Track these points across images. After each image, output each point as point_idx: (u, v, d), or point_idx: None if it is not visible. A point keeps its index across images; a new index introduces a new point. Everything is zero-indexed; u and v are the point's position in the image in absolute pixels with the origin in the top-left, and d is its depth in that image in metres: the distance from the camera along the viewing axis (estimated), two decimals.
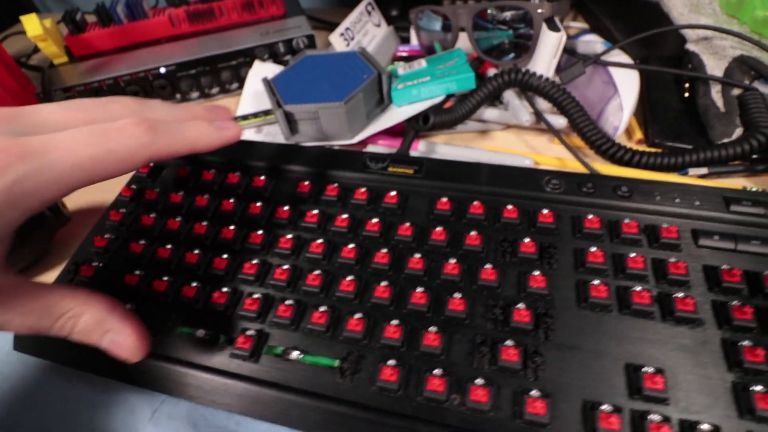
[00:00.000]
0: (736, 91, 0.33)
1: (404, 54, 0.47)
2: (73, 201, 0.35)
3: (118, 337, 0.19)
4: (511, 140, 0.37)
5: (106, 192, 0.32)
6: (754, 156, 0.31)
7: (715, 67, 0.35)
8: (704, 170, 0.32)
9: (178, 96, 0.44)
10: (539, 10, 0.34)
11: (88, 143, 0.17)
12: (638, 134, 0.36)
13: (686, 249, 0.24)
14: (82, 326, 0.19)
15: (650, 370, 0.20)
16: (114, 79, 0.41)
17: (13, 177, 0.16)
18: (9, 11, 0.78)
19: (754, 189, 0.30)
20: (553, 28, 0.34)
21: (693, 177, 0.32)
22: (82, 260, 0.28)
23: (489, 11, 0.38)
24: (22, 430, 0.23)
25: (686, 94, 0.36)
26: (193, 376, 0.23)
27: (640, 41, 0.38)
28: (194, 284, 0.25)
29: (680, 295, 0.22)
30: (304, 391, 0.21)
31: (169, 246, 0.27)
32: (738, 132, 0.32)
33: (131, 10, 0.44)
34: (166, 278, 0.26)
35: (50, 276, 0.31)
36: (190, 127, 0.20)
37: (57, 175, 0.17)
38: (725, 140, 0.32)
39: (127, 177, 0.32)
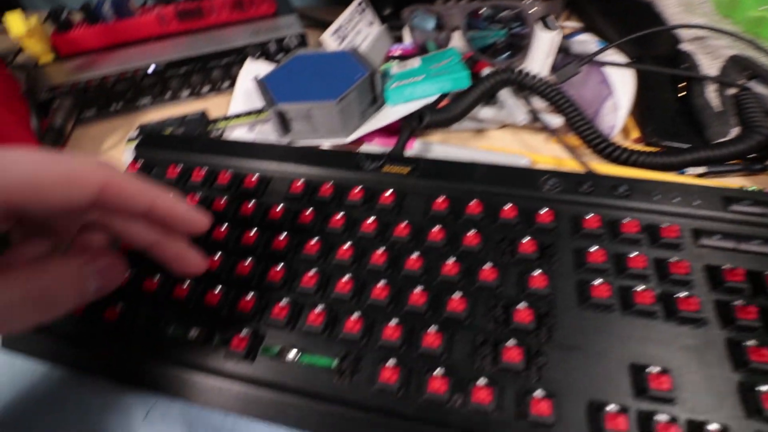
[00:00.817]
0: (731, 91, 0.33)
1: (397, 53, 0.47)
2: None
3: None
4: (507, 139, 0.37)
5: None
6: (751, 155, 0.31)
7: (710, 66, 0.35)
8: (702, 169, 0.31)
9: (168, 94, 0.43)
10: (532, 10, 0.34)
11: (39, 157, 0.16)
12: (634, 134, 0.35)
13: (687, 249, 0.24)
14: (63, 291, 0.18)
15: (655, 370, 0.19)
16: (101, 79, 0.40)
17: None
18: None
19: (752, 188, 0.30)
20: (547, 27, 0.33)
21: (691, 176, 0.32)
22: None
23: (482, 10, 0.38)
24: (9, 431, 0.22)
25: (682, 94, 0.36)
26: (187, 376, 0.22)
27: (634, 41, 0.38)
28: (186, 284, 0.24)
29: (683, 294, 0.22)
30: (301, 391, 0.21)
31: None
32: (734, 131, 0.32)
33: (118, 9, 0.43)
34: (157, 278, 0.25)
35: None
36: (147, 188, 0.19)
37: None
38: (721, 139, 0.32)
39: None
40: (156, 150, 0.33)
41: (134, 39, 0.44)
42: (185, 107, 0.44)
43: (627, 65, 0.34)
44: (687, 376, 0.20)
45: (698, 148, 0.31)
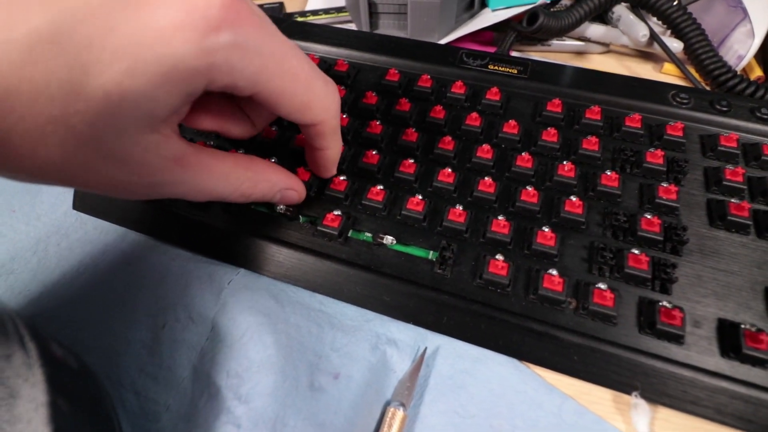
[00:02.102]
0: None
1: None
2: None
3: (286, 194, 0.19)
4: (612, 65, 0.33)
5: None
6: None
7: None
8: None
9: None
10: None
11: (306, 67, 0.16)
12: (758, 71, 0.32)
13: None
14: (259, 192, 0.18)
15: None
16: None
17: (227, 39, 0.13)
18: None
19: None
20: None
21: None
22: None
23: None
24: (94, 286, 0.22)
25: None
26: (275, 250, 0.21)
27: None
28: (273, 159, 0.23)
29: None
30: (398, 276, 0.19)
31: None
32: None
33: None
34: (242, 150, 0.23)
35: None
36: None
37: (258, 68, 0.14)
38: None
39: None
40: None
41: None
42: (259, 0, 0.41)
43: None
44: None
45: None
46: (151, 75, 0.12)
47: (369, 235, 0.21)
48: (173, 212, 0.22)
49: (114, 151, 0.14)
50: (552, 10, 0.31)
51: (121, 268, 0.22)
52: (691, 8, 0.32)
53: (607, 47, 0.34)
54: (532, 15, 0.29)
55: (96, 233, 0.24)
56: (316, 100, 0.17)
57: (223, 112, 0.18)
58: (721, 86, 0.30)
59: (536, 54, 0.34)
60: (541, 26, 0.28)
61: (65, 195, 0.25)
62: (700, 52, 0.30)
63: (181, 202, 0.22)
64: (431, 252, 0.20)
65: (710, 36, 0.31)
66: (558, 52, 0.34)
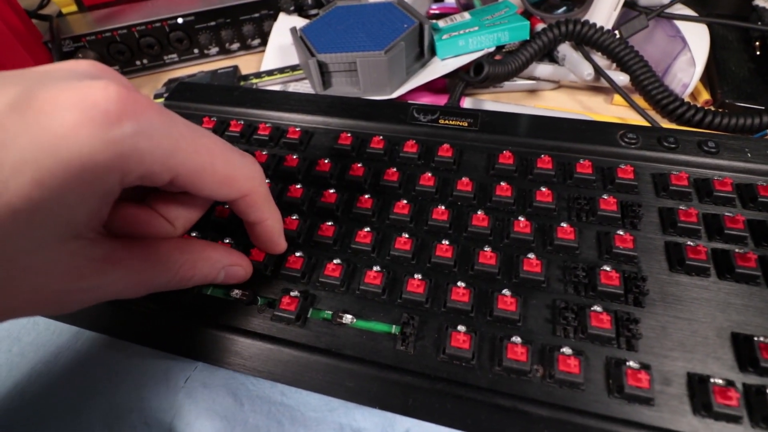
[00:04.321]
0: None
1: (437, 12, 0.44)
2: None
3: (230, 271, 0.19)
4: (563, 100, 0.34)
5: None
6: None
7: None
8: None
9: (195, 51, 0.41)
10: None
11: (218, 146, 0.16)
12: (704, 95, 0.32)
13: None
14: (201, 272, 0.18)
15: (764, 339, 0.17)
16: (128, 29, 0.38)
17: (131, 128, 0.13)
18: None
19: None
20: None
21: None
22: None
23: None
24: (47, 396, 0.20)
25: (757, 53, 0.33)
26: (231, 340, 0.20)
27: None
28: (227, 240, 0.22)
29: None
30: (359, 358, 0.19)
31: None
32: None
33: None
34: (194, 234, 0.23)
35: None
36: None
37: (167, 152, 0.14)
38: None
39: None
40: (187, 103, 0.30)
41: None
42: (213, 65, 0.42)
43: (700, 19, 0.31)
44: None
45: None
46: (61, 181, 0.12)
47: (329, 313, 0.20)
48: (125, 307, 0.21)
49: (36, 265, 0.13)
50: (496, 58, 0.31)
51: (76, 372, 0.21)
52: (633, 39, 0.33)
53: (557, 84, 0.34)
54: (477, 66, 0.29)
55: (48, 334, 0.23)
56: (238, 170, 0.16)
57: (141, 218, 0.17)
58: (669, 114, 0.30)
59: (490, 96, 0.34)
60: (487, 75, 0.29)
61: None
62: (646, 83, 0.30)
63: None
64: (393, 326, 0.20)
65: (655, 65, 0.32)
66: (512, 92, 0.35)
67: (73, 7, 0.40)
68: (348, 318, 0.20)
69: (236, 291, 0.21)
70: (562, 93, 0.34)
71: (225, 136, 0.27)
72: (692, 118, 0.30)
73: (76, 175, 0.12)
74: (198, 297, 0.21)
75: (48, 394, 0.21)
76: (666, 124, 0.31)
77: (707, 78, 0.34)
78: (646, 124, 0.29)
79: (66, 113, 0.12)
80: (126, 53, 0.39)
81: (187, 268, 0.17)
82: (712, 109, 0.32)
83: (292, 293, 0.20)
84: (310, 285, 0.21)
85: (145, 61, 0.40)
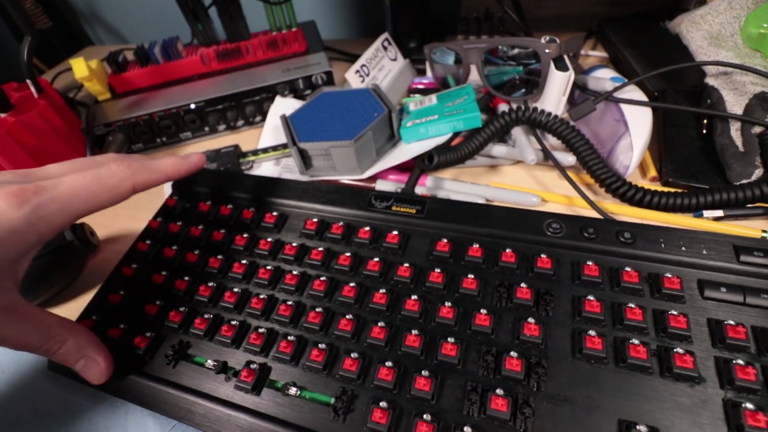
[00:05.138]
0: (756, 129, 0.32)
1: (420, 86, 0.49)
2: (107, 229, 0.38)
3: (90, 363, 0.24)
4: (520, 176, 0.37)
5: (137, 221, 0.35)
6: None
7: (735, 103, 0.34)
8: (720, 212, 0.31)
9: (206, 129, 0.47)
10: (547, 50, 0.34)
11: (83, 179, 0.23)
12: (652, 172, 0.35)
13: (690, 301, 0.24)
14: (64, 350, 0.23)
15: (644, 429, 0.19)
16: (149, 115, 0.45)
17: (31, 207, 0.21)
18: (66, 44, 0.86)
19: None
20: (561, 67, 0.34)
21: (708, 219, 0.31)
22: (111, 289, 0.30)
23: (500, 48, 0.39)
24: None
25: (704, 131, 0.35)
26: (201, 405, 0.24)
27: (659, 74, 0.38)
28: (207, 315, 0.27)
29: (680, 350, 0.21)
30: (300, 427, 0.22)
31: (186, 278, 0.29)
32: (758, 173, 0.31)
33: (167, 51, 0.47)
34: (182, 309, 0.28)
35: (82, 300, 0.34)
36: (162, 161, 0.27)
37: (62, 204, 0.22)
38: (744, 181, 0.31)
39: (155, 209, 0.35)
40: (190, 185, 0.36)
41: (179, 78, 0.49)
42: (222, 140, 0.48)
43: (644, 103, 0.34)
44: None
45: (718, 190, 0.30)
46: None
47: (281, 384, 0.24)
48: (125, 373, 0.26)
49: None
50: (455, 141, 0.35)
51: (81, 424, 0.26)
52: (589, 119, 0.36)
53: (515, 160, 0.38)
54: (429, 156, 0.33)
55: (64, 390, 0.28)
56: (105, 181, 0.24)
57: None
58: (613, 192, 0.33)
59: (453, 171, 0.38)
60: (438, 164, 0.32)
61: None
62: (591, 163, 0.33)
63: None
64: (333, 398, 0.23)
65: (603, 145, 0.35)
66: (473, 167, 0.38)
67: (108, 95, 0.48)
68: (294, 390, 0.24)
69: (210, 362, 0.25)
70: (520, 168, 0.38)
71: (217, 218, 0.33)
72: (633, 197, 0.32)
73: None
74: (185, 360, 0.26)
75: None
76: (610, 202, 0.33)
77: (657, 154, 0.36)
78: (587, 206, 0.32)
79: None
80: (148, 133, 0.46)
81: (55, 343, 0.23)
82: (656, 186, 0.34)
83: (251, 365, 0.24)
84: (269, 358, 0.25)
85: (164, 138, 0.47)
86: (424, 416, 0.21)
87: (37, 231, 0.21)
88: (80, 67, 0.44)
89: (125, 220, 0.38)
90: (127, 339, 0.27)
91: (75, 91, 0.57)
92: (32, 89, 0.40)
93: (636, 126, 0.33)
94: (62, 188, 0.22)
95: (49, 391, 0.28)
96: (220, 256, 0.30)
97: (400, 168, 0.38)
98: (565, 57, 0.35)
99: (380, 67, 0.46)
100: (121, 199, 0.24)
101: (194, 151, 0.46)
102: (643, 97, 0.35)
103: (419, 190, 0.36)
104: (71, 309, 0.33)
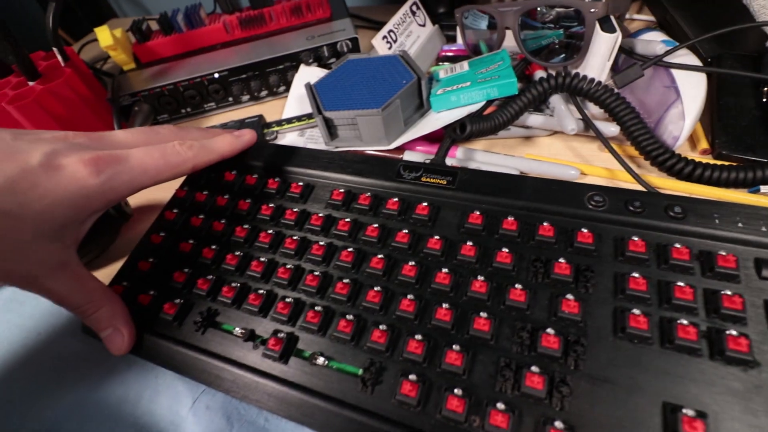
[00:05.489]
0: None
1: (450, 54, 0.46)
2: (137, 199, 0.38)
3: (115, 334, 0.25)
4: (558, 148, 0.35)
5: (165, 190, 0.35)
6: None
7: None
8: None
9: (230, 99, 0.47)
10: (592, 10, 0.32)
11: (153, 156, 0.25)
12: (704, 144, 0.32)
13: (746, 280, 0.22)
14: (97, 315, 0.24)
15: (690, 413, 0.18)
16: (174, 85, 0.44)
17: (106, 176, 0.23)
18: (91, 16, 0.86)
19: None
20: (608, 29, 0.31)
21: (765, 195, 0.28)
22: (141, 256, 0.30)
23: (538, 9, 0.36)
24: (79, 408, 0.26)
25: (764, 99, 0.32)
26: (229, 371, 0.24)
27: (712, 38, 0.35)
28: (234, 284, 0.27)
29: (734, 332, 0.20)
30: (327, 396, 0.22)
31: (213, 247, 0.29)
32: None
33: (190, 19, 0.47)
34: (210, 277, 0.28)
35: (114, 267, 0.34)
36: (217, 140, 0.29)
37: (132, 177, 0.24)
38: None
39: (180, 180, 0.35)
40: None
41: (203, 47, 0.48)
42: (245, 111, 0.47)
43: (698, 68, 0.31)
44: (727, 423, 0.18)
45: None
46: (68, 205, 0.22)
47: (308, 353, 0.24)
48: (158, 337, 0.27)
49: (25, 249, 0.21)
50: (489, 109, 0.33)
51: (114, 385, 0.27)
52: (634, 87, 0.34)
53: (552, 130, 0.36)
54: (461, 125, 0.31)
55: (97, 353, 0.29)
56: (169, 158, 0.26)
57: None
58: (660, 165, 0.31)
59: (485, 143, 0.37)
60: (471, 133, 0.31)
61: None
62: (636, 134, 0.31)
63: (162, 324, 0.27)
64: (361, 369, 0.23)
65: (650, 114, 0.33)
66: (507, 138, 0.37)
67: (132, 65, 0.47)
68: (321, 360, 0.23)
69: (237, 329, 0.25)
70: (557, 139, 0.36)
71: (242, 187, 0.32)
72: (682, 170, 0.30)
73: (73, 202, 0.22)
74: (214, 328, 0.26)
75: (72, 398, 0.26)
76: (656, 176, 0.31)
77: (710, 124, 0.33)
78: (631, 180, 0.30)
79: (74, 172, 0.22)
80: (173, 104, 0.46)
81: (91, 306, 0.24)
82: (708, 159, 0.31)
83: (279, 334, 0.24)
84: (296, 328, 0.25)
85: (188, 109, 0.47)
86: (455, 391, 0.20)
87: (107, 198, 0.23)
88: (105, 35, 0.44)
89: (156, 189, 0.38)
90: (156, 305, 0.27)
91: (101, 62, 0.57)
92: (59, 57, 0.40)
93: (689, 93, 0.30)
94: (134, 161, 0.24)
95: (84, 354, 0.29)
96: (246, 226, 0.29)
97: (429, 139, 0.36)
98: (612, 18, 0.32)
99: (408, 33, 0.44)
100: (181, 176, 0.27)
101: (218, 121, 0.45)
102: (697, 62, 0.32)
103: (449, 161, 0.35)
104: (103, 275, 0.33)
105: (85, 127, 0.39)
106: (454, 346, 0.22)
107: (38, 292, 0.23)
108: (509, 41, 0.39)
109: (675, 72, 0.32)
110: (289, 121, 0.42)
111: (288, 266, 0.27)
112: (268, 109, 0.47)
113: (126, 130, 0.27)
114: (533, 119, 0.34)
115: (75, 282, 0.24)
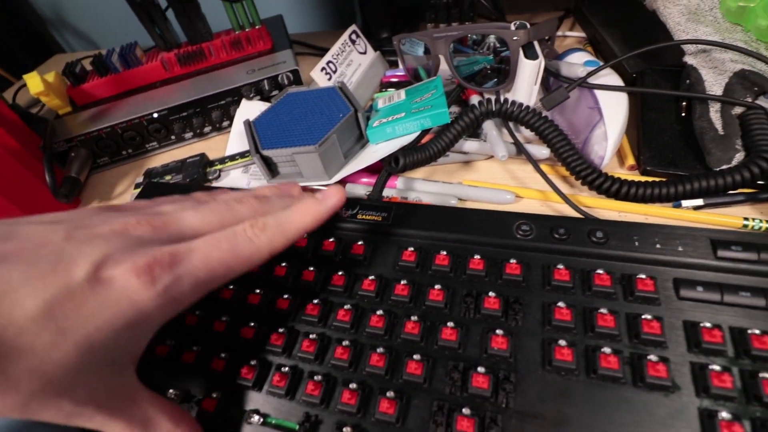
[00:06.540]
0: (737, 110, 0.30)
1: (393, 80, 0.47)
2: None
3: None
4: (495, 171, 0.36)
5: None
6: (759, 182, 0.29)
7: (715, 83, 0.32)
8: (699, 201, 0.29)
9: (173, 137, 0.46)
10: (515, 38, 0.32)
11: (220, 250, 0.20)
12: (630, 160, 0.33)
13: (666, 302, 0.22)
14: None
15: None
16: (111, 127, 0.43)
17: (163, 285, 0.18)
18: (36, 52, 0.83)
19: (756, 221, 0.28)
20: (531, 55, 0.32)
21: (687, 209, 0.29)
22: None
23: (469, 36, 0.37)
24: None
25: (683, 114, 0.34)
26: None
27: (637, 54, 0.36)
28: (195, 348, 0.26)
29: (653, 358, 0.20)
30: None
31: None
32: (739, 157, 0.29)
33: (125, 59, 0.46)
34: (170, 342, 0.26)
35: None
36: (295, 212, 0.23)
37: (196, 283, 0.19)
38: (724, 167, 0.29)
39: None
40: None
41: (141, 85, 0.47)
42: (189, 149, 0.46)
43: (617, 89, 0.32)
44: None
45: (696, 177, 0.29)
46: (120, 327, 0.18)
47: (244, 412, 0.23)
48: None
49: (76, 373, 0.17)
50: (424, 140, 0.34)
51: None
52: (563, 107, 0.35)
53: (488, 155, 0.36)
54: (395, 158, 0.32)
55: None
56: (241, 248, 0.21)
57: None
58: (589, 184, 0.32)
59: (427, 169, 0.37)
60: (405, 166, 0.31)
61: None
62: (565, 155, 0.32)
63: None
64: (297, 425, 0.22)
65: (578, 134, 0.34)
66: (445, 165, 0.37)
67: (68, 108, 0.46)
68: (256, 418, 0.23)
69: (172, 392, 0.24)
70: (495, 163, 0.36)
71: None
72: (609, 189, 0.31)
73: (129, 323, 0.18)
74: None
75: None
76: (587, 195, 0.32)
77: (635, 141, 0.34)
78: (560, 202, 0.31)
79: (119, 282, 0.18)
80: (112, 146, 0.44)
81: (142, 424, 0.20)
82: (633, 176, 0.32)
83: (213, 394, 0.23)
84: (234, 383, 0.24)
85: (129, 150, 0.46)
86: None
87: (165, 312, 0.19)
88: (35, 82, 0.42)
89: None
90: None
91: (39, 107, 0.55)
92: None
93: (610, 113, 0.31)
94: (196, 260, 0.19)
95: None
96: None
97: (371, 170, 0.36)
98: (536, 43, 0.33)
99: (349, 62, 0.44)
100: (254, 267, 0.22)
101: (161, 161, 0.44)
102: (619, 81, 0.34)
103: (391, 192, 0.35)
104: None
105: (13, 183, 0.37)
106: (387, 393, 0.22)
107: (90, 426, 0.19)
108: (445, 66, 0.40)
109: (598, 93, 0.33)
110: (232, 158, 0.41)
111: (223, 319, 0.26)
112: (213, 145, 0.46)
113: (197, 206, 0.22)
114: (469, 145, 0.35)
115: (133, 410, 0.19)
